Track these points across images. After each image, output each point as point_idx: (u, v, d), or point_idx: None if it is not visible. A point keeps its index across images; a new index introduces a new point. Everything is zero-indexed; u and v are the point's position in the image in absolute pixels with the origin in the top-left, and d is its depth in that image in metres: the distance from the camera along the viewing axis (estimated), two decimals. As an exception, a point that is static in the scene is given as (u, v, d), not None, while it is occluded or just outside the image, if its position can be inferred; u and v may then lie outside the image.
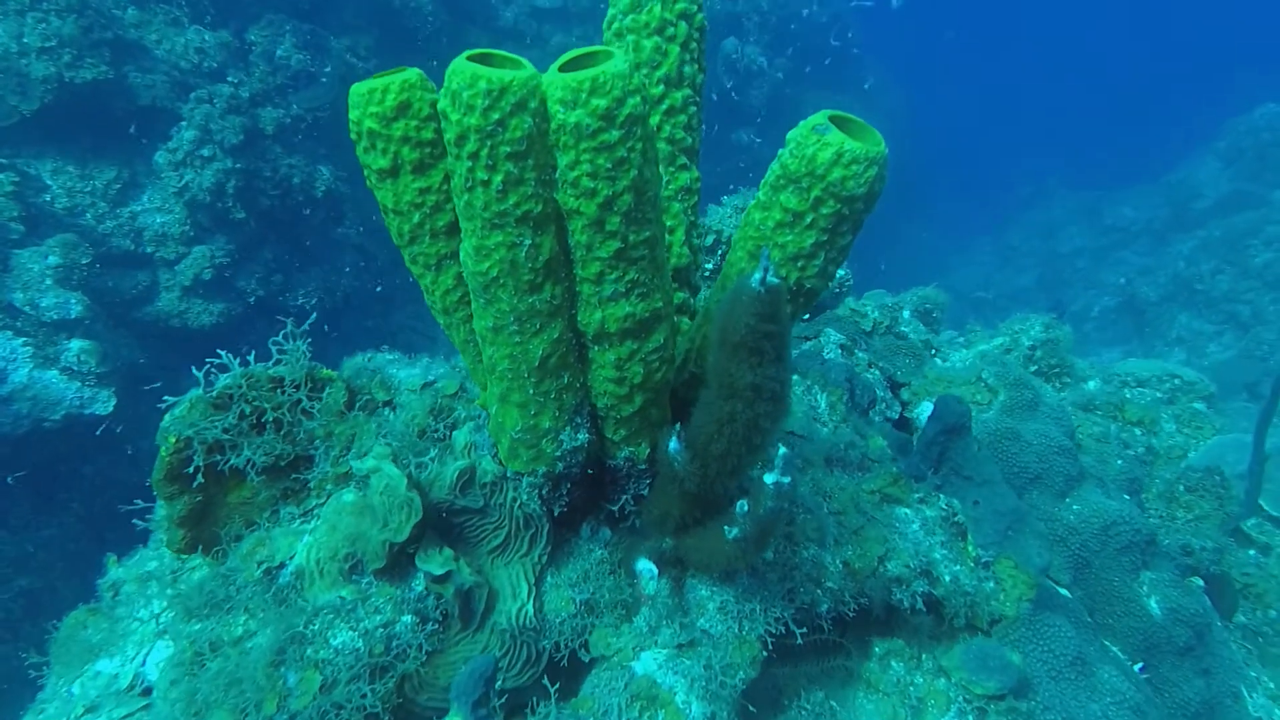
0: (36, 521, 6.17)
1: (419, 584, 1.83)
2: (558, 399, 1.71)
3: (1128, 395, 4.32)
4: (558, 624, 1.96)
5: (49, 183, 6.51)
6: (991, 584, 2.40)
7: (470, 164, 1.35)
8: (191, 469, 1.86)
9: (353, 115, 1.46)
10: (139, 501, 2.04)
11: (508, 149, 1.32)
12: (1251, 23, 34.12)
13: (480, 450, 1.98)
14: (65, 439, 6.03)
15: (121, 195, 6.84)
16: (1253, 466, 3.51)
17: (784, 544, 2.08)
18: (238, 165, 7.21)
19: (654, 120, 1.95)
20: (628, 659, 1.93)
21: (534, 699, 1.83)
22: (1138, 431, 4.03)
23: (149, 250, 6.96)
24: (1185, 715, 2.82)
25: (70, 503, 6.35)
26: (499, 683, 1.85)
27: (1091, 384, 4.44)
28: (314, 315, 2.25)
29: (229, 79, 7.48)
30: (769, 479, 1.52)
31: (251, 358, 2.00)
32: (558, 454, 1.80)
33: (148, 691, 1.89)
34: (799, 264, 1.65)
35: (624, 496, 1.98)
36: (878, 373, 3.53)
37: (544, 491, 1.92)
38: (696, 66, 1.96)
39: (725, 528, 1.65)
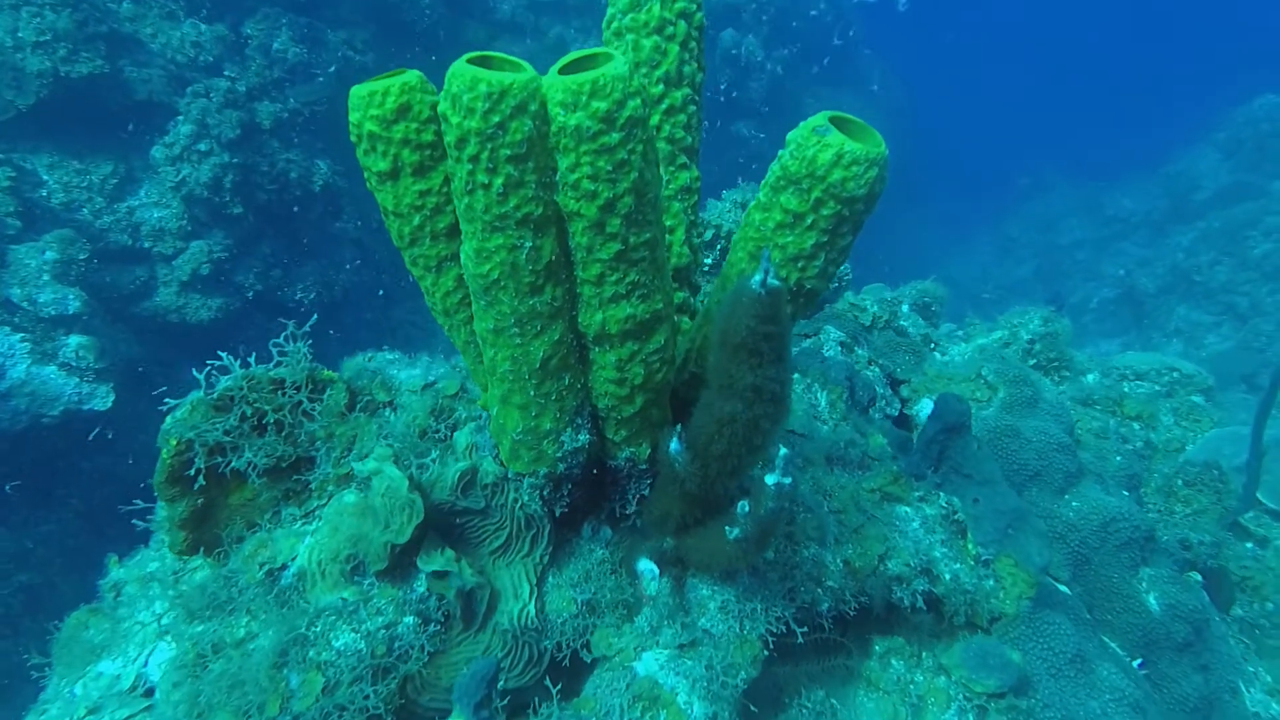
0: (35, 517, 6.17)
1: (421, 585, 1.83)
2: (559, 400, 1.71)
3: (1126, 389, 4.33)
4: (559, 624, 1.97)
5: (45, 178, 6.48)
6: (991, 582, 2.41)
7: (471, 167, 1.35)
8: (193, 471, 1.86)
9: (353, 118, 1.45)
10: (139, 501, 2.04)
11: (508, 152, 1.32)
12: (1250, 14, 34.05)
13: (481, 451, 1.98)
14: (64, 434, 6.02)
15: (118, 190, 6.81)
16: (1250, 460, 3.52)
17: (785, 543, 2.08)
18: (235, 160, 7.18)
19: (654, 120, 1.95)
20: (629, 659, 1.93)
21: (536, 699, 1.83)
22: (1136, 426, 4.04)
23: (146, 245, 6.94)
24: (1184, 711, 2.84)
25: (69, 498, 6.35)
26: (501, 683, 1.85)
27: (1090, 377, 4.44)
28: (315, 317, 2.24)
29: (225, 73, 7.44)
30: (770, 479, 1.52)
31: (252, 359, 2.00)
32: (559, 455, 1.80)
33: (150, 693, 1.89)
34: (799, 265, 1.65)
35: (625, 497, 1.99)
36: (877, 370, 3.53)
37: (545, 492, 1.92)
38: (696, 65, 1.95)
39: (726, 528, 1.65)
